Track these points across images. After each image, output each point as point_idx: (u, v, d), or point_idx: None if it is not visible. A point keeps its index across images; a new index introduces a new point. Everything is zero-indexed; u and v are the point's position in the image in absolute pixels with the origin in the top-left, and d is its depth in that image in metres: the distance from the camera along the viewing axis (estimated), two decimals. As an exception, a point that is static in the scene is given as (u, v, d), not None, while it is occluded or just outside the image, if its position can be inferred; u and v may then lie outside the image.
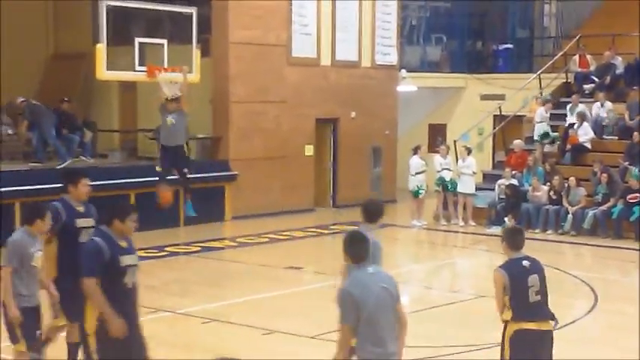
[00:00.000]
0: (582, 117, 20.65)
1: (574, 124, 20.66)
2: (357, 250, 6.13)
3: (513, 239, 7.17)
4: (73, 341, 8.43)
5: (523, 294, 6.97)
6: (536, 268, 7.12)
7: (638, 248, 16.98)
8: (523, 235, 7.27)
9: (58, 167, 17.71)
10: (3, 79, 19.86)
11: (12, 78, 19.34)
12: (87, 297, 7.03)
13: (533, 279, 7.02)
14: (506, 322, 7.06)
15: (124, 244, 7.12)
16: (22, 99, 18.57)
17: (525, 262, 7.07)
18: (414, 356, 9.52)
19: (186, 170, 14.80)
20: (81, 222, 8.32)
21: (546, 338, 7.12)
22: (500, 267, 7.09)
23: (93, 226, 8.14)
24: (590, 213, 18.53)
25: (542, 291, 7.06)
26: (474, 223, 19.91)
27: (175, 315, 11.66)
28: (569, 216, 18.61)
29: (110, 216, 7.11)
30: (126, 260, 7.07)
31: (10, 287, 7.65)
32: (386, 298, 6.04)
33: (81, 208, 8.42)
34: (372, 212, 7.85)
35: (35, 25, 22.33)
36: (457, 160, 20.43)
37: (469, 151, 20.32)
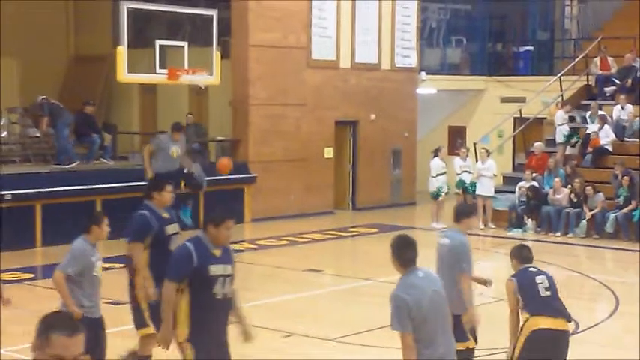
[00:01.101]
0: (603, 119, 20.56)
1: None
2: (406, 254, 6.10)
3: (520, 253, 7.57)
4: (145, 354, 8.23)
5: (533, 289, 7.29)
6: (544, 272, 7.54)
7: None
8: (529, 248, 7.68)
9: (68, 167, 17.91)
10: (25, 81, 20.03)
11: (33, 81, 19.50)
12: (163, 300, 6.74)
13: (540, 278, 7.37)
14: (523, 323, 7.27)
15: (217, 252, 6.70)
16: (42, 97, 18.67)
17: (532, 268, 7.50)
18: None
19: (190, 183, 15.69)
20: (170, 229, 8.18)
21: (562, 339, 7.22)
22: (511, 276, 7.49)
23: (177, 232, 8.14)
24: (612, 216, 18.43)
25: (553, 289, 7.35)
26: (493, 226, 19.86)
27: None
28: (583, 222, 18.51)
29: (205, 221, 6.81)
30: (216, 270, 6.64)
31: (67, 291, 7.45)
32: (438, 301, 6.05)
33: (166, 215, 8.26)
34: (457, 212, 8.44)
35: (56, 28, 22.49)
36: (477, 162, 20.39)
37: (488, 154, 20.29)
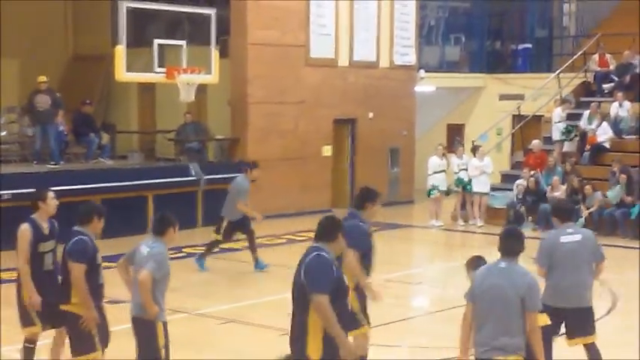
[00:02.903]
0: (602, 116, 20.59)
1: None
2: (507, 244, 6.62)
3: (477, 265, 7.37)
4: None
5: None
6: None
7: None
8: (484, 259, 7.47)
9: (66, 167, 18.06)
10: (24, 81, 20.06)
11: (33, 80, 19.48)
12: (319, 315, 6.44)
13: None
14: None
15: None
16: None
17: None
18: (438, 356, 9.53)
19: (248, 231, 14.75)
20: None
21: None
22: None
23: None
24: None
25: None
26: (480, 223, 19.87)
27: (192, 316, 11.71)
28: (581, 219, 18.54)
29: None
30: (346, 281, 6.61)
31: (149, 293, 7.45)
32: (506, 294, 6.41)
33: None
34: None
35: (55, 27, 22.55)
36: (472, 159, 20.39)
37: (476, 149, 20.33)
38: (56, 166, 18.09)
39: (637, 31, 23.01)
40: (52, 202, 8.38)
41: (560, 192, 19.27)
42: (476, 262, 7.40)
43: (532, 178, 19.64)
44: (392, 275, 13.96)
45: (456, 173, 20.20)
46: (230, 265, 15.54)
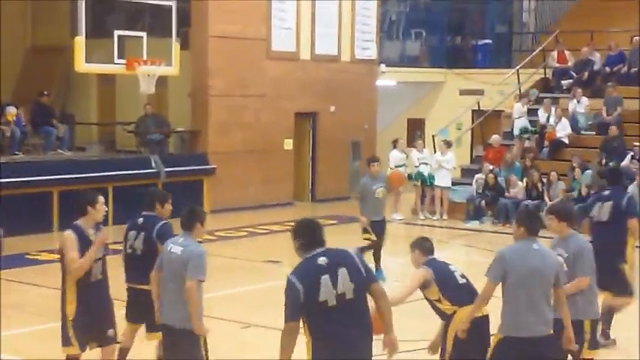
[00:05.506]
0: (561, 113, 20.87)
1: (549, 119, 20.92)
2: (532, 223, 6.88)
3: (423, 245, 7.59)
4: None
5: (451, 279, 7.36)
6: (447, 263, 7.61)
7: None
8: (431, 240, 7.66)
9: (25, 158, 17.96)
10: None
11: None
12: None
13: (453, 267, 7.49)
14: (452, 316, 7.25)
15: None
16: None
17: (439, 259, 7.58)
18: (401, 348, 9.57)
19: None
20: None
21: (488, 322, 7.30)
22: (423, 265, 7.44)
23: None
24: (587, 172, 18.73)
25: (464, 276, 7.43)
26: (445, 217, 20.10)
27: (153, 308, 11.68)
28: (541, 214, 18.67)
29: None
30: None
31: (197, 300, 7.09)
32: (545, 276, 6.72)
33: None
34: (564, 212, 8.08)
35: (13, 18, 22.25)
36: (435, 154, 20.58)
37: (449, 145, 20.48)
38: (13, 157, 17.98)
39: (595, 28, 23.40)
40: (101, 208, 7.69)
41: (517, 188, 19.44)
42: (421, 243, 7.56)
43: (491, 174, 19.83)
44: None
45: (416, 167, 20.36)
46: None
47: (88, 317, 7.50)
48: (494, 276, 6.77)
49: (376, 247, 13.38)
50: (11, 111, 18.35)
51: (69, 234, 7.48)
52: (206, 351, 7.23)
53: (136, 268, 8.12)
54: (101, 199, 7.69)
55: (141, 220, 8.22)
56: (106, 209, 7.87)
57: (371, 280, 6.02)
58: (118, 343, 8.00)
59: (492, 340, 6.96)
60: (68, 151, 19.53)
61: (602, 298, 9.43)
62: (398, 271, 15.56)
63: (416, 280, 7.30)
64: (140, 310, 8.05)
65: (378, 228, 13.37)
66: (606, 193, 10.23)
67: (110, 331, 7.68)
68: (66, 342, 7.55)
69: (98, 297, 7.60)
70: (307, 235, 6.03)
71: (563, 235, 7.69)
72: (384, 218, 13.59)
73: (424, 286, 7.29)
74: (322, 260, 5.87)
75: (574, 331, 7.15)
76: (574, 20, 25.35)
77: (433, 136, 21.72)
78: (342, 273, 5.85)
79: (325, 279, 5.83)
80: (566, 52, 22.95)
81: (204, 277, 7.13)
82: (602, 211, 10.05)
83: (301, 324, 5.92)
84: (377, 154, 23.57)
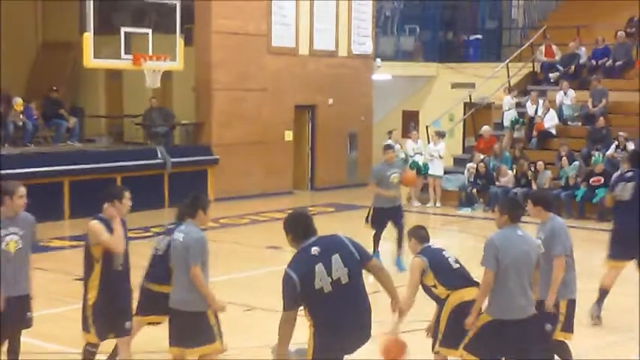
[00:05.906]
0: (549, 104, 21.26)
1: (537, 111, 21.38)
2: (515, 211, 7.21)
3: (419, 233, 7.73)
4: None
5: (444, 264, 7.52)
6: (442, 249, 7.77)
7: (599, 228, 17.59)
8: (426, 229, 7.79)
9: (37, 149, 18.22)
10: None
11: (2, 68, 19.69)
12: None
13: (446, 253, 7.65)
14: (446, 299, 7.41)
15: None
16: None
17: (434, 246, 7.71)
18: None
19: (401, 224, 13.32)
20: None
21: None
22: (417, 254, 7.61)
23: None
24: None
25: (458, 261, 7.61)
26: (439, 204, 20.50)
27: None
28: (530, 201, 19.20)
29: None
30: None
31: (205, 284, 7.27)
32: (531, 258, 7.10)
33: None
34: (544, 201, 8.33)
35: (25, 16, 22.48)
36: (429, 144, 21.00)
37: (441, 136, 20.89)
38: (27, 149, 18.36)
39: (582, 24, 23.80)
40: (127, 203, 7.55)
41: (506, 177, 19.85)
42: (416, 232, 7.72)
43: (482, 163, 20.36)
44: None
45: (411, 157, 20.79)
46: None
47: (109, 306, 7.50)
48: (491, 264, 6.99)
49: (378, 236, 13.50)
50: (18, 102, 18.61)
51: (95, 222, 7.43)
52: (218, 326, 7.50)
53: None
54: (127, 194, 7.56)
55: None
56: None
57: (365, 259, 6.19)
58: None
59: (480, 319, 7.10)
60: (78, 142, 19.81)
61: (617, 270, 10.15)
62: (392, 257, 16.13)
63: (415, 273, 7.47)
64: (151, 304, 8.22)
65: (394, 214, 13.34)
66: (629, 174, 10.31)
67: (127, 323, 7.67)
68: (85, 328, 7.59)
69: (119, 287, 7.57)
70: (298, 227, 6.22)
71: (542, 219, 8.08)
72: (400, 204, 13.52)
73: (421, 274, 7.52)
74: (315, 250, 6.07)
75: (550, 312, 7.67)
76: (561, 16, 25.56)
77: (427, 127, 22.10)
78: (335, 259, 6.05)
79: (319, 267, 6.00)
80: (554, 46, 23.28)
81: (199, 262, 7.24)
82: (624, 191, 10.23)
83: (303, 310, 6.12)
84: (373, 145, 24.18)
